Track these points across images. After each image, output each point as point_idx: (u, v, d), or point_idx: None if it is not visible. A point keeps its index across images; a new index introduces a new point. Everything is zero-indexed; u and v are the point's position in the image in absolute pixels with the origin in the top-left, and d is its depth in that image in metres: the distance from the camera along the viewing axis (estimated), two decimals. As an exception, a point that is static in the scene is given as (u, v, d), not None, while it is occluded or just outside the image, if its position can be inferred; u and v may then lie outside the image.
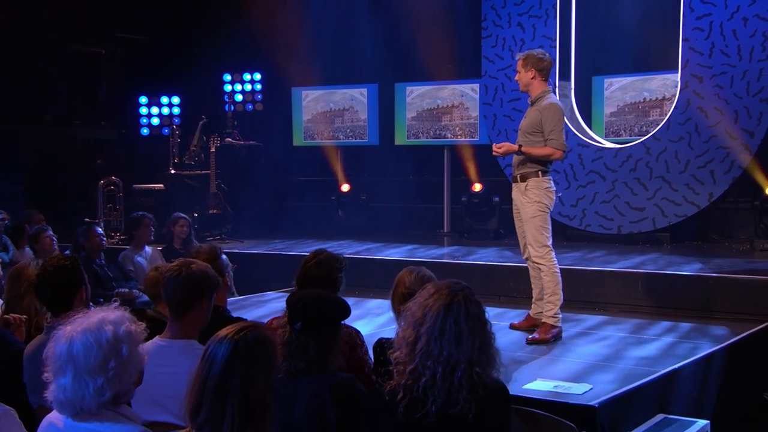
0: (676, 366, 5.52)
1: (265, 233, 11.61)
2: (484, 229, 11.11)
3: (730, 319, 7.12)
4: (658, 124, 10.64)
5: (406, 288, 4.00)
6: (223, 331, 2.69)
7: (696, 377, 5.75)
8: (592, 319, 7.29)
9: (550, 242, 6.47)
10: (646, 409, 5.12)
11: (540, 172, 6.39)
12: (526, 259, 6.70)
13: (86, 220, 10.63)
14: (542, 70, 6.43)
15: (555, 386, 4.98)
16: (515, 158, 6.53)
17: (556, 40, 10.80)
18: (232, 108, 12.89)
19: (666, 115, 10.71)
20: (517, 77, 6.59)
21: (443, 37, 11.84)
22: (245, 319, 4.64)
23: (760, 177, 9.53)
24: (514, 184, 6.52)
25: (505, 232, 11.03)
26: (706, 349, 6.06)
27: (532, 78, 6.44)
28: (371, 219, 12.20)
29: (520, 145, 6.40)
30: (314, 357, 3.38)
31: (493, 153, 6.53)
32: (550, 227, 6.48)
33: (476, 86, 11.64)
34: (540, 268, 6.49)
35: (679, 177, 10.06)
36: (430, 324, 2.94)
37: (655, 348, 6.15)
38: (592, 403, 4.62)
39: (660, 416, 5.16)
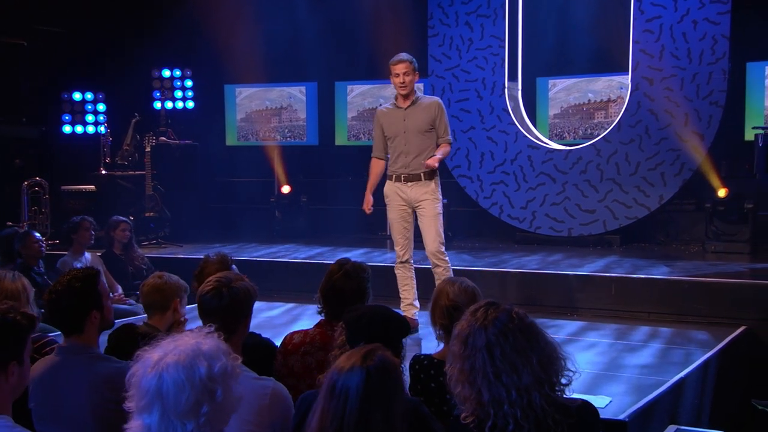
0: (682, 374, 5.40)
1: (203, 237, 11.09)
2: (432, 232, 10.85)
3: (705, 323, 7.08)
4: (603, 127, 10.64)
5: (449, 300, 3.71)
6: (346, 361, 2.42)
7: (697, 385, 5.66)
8: (570, 325, 7.14)
9: None
10: (661, 421, 4.97)
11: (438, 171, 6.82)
12: (406, 261, 6.83)
13: (9, 224, 9.93)
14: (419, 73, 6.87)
15: (572, 399, 4.76)
16: (412, 158, 6.72)
17: (505, 40, 10.65)
18: (178, 105, 12.32)
19: (611, 117, 10.73)
20: (406, 80, 6.72)
21: (386, 35, 11.56)
22: (259, 335, 4.29)
23: (713, 179, 9.57)
24: (408, 183, 6.75)
25: (454, 235, 10.84)
26: (699, 356, 5.98)
27: (416, 81, 6.79)
28: (311, 221, 11.82)
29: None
30: (380, 379, 3.05)
31: (433, 167, 6.71)
32: None
33: (421, 85, 11.35)
34: (439, 265, 6.66)
35: (630, 179, 10.05)
36: (482, 373, 2.67)
37: (649, 355, 6.04)
38: (621, 417, 4.44)
39: (673, 427, 5.00)
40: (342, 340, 3.15)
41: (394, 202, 6.81)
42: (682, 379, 5.32)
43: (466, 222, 11.24)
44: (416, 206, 6.75)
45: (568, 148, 10.58)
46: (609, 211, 10.14)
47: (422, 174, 6.70)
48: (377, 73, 11.89)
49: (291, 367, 3.91)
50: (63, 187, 11.01)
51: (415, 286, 6.84)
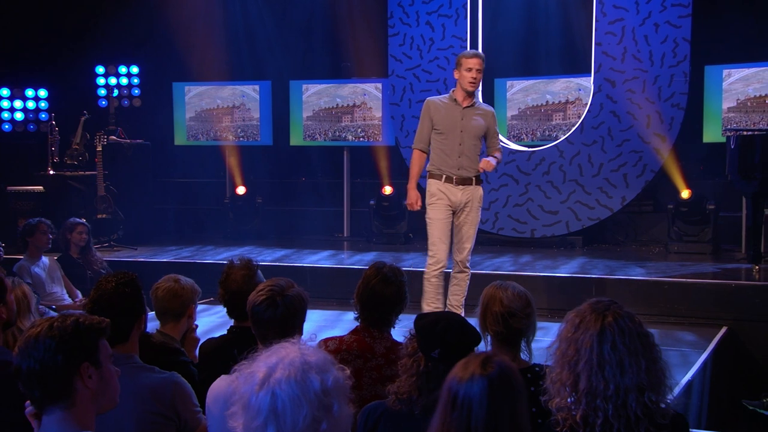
0: (689, 376, 5.39)
1: (158, 239, 10.74)
2: (393, 233, 10.73)
3: (686, 324, 7.12)
4: (561, 128, 10.67)
5: (504, 307, 3.53)
6: (464, 370, 2.28)
7: (698, 387, 5.65)
8: (556, 327, 7.04)
9: None
10: (675, 424, 4.91)
11: None
12: (443, 267, 6.45)
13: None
14: None
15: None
16: (466, 159, 6.45)
17: (466, 40, 10.58)
18: (124, 103, 11.89)
19: (569, 119, 10.75)
20: (478, 77, 6.49)
21: (344, 34, 11.42)
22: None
23: (677, 180, 9.66)
24: (459, 186, 6.45)
25: (415, 236, 10.75)
26: (695, 357, 5.99)
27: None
28: (266, 223, 11.54)
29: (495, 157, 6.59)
30: (456, 388, 2.89)
31: (489, 170, 6.49)
32: None
33: (379, 85, 11.23)
34: (464, 271, 6.51)
35: (593, 180, 10.09)
36: (586, 358, 2.59)
37: (646, 357, 5.99)
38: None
39: (685, 430, 4.97)
40: (413, 347, 2.97)
41: (442, 203, 6.41)
42: (690, 381, 5.30)
43: (425, 223, 11.07)
44: (461, 210, 6.46)
45: (531, 149, 10.56)
46: (572, 213, 10.16)
47: (474, 178, 6.48)
48: (334, 71, 11.75)
49: (326, 377, 3.71)
50: (9, 188, 10.49)
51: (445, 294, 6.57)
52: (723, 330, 6.88)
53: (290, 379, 2.08)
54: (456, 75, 6.48)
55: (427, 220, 6.51)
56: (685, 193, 9.59)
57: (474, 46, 10.66)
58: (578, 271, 8.21)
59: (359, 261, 9.08)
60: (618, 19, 9.97)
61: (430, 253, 6.43)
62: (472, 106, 6.48)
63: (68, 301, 7.70)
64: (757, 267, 7.86)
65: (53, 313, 7.41)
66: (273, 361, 2.15)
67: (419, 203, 6.55)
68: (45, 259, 7.92)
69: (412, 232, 10.78)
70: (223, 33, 11.88)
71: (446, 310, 6.25)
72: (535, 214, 10.29)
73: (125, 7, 11.68)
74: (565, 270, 8.25)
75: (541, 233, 10.28)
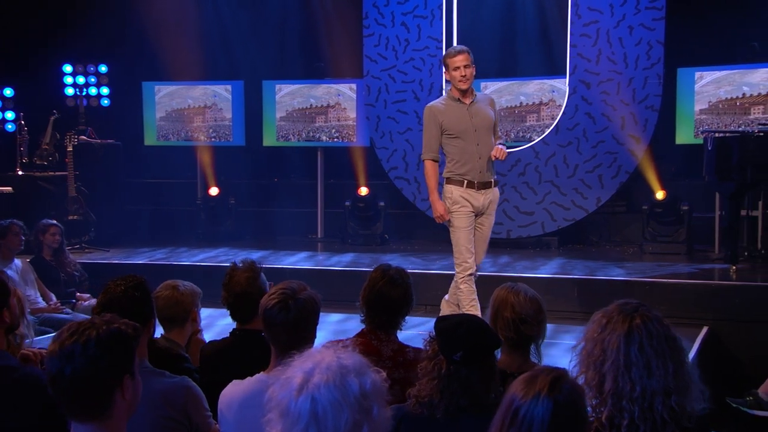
0: (680, 376, 5.39)
1: (129, 241, 10.58)
2: (369, 234, 10.68)
3: (671, 324, 7.14)
4: (535, 129, 10.70)
5: (515, 313, 3.49)
6: (529, 386, 2.17)
7: (687, 386, 5.67)
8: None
9: None
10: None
11: None
12: (473, 273, 6.27)
13: None
14: None
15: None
16: (485, 162, 6.28)
17: (442, 41, 10.57)
18: (92, 102, 11.71)
19: (542, 120, 10.79)
20: (467, 73, 6.26)
21: (318, 33, 11.36)
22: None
23: (652, 181, 9.74)
24: (481, 191, 6.26)
25: (391, 237, 10.73)
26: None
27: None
28: (239, 224, 11.43)
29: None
30: (480, 392, 2.86)
31: (501, 158, 6.25)
32: None
33: (354, 86, 11.17)
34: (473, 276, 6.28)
35: (568, 181, 10.13)
36: (612, 359, 2.58)
37: (635, 357, 6.01)
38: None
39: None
40: (434, 350, 2.92)
41: (466, 209, 6.21)
42: (681, 381, 5.32)
43: (399, 224, 11.12)
44: (480, 214, 6.31)
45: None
46: (547, 213, 10.20)
47: (493, 181, 6.32)
48: (308, 72, 11.66)
49: (333, 380, 3.66)
50: (-24, 189, 10.28)
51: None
52: (704, 330, 6.94)
53: (329, 384, 2.05)
54: (447, 77, 6.36)
55: (451, 228, 6.27)
56: (660, 194, 9.67)
57: (449, 46, 10.62)
58: (558, 271, 8.24)
59: (338, 262, 9.03)
60: (593, 21, 10.03)
61: (457, 261, 6.21)
62: (474, 101, 6.31)
63: (42, 304, 7.57)
64: (734, 267, 7.95)
65: (31, 317, 7.28)
66: (309, 366, 2.12)
67: (447, 214, 6.26)
68: (17, 261, 7.76)
69: (388, 233, 10.78)
70: (194, 32, 11.72)
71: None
72: (511, 215, 10.30)
73: (94, 5, 11.49)
74: (545, 270, 8.28)
75: (516, 234, 10.30)
